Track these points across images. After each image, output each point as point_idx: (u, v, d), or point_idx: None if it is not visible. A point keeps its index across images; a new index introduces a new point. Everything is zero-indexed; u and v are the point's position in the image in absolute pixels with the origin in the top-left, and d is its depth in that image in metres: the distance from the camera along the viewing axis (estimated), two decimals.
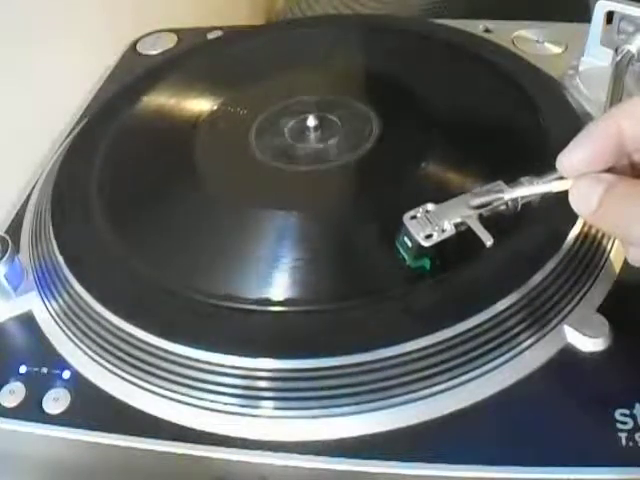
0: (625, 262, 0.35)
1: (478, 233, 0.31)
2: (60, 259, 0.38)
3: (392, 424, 0.31)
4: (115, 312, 0.35)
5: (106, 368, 0.34)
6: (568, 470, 0.29)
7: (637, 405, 0.30)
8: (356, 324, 0.33)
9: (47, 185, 0.44)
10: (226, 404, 0.32)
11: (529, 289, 0.33)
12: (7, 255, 0.37)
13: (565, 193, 0.27)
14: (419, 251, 0.32)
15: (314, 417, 0.31)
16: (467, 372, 0.32)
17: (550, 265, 0.34)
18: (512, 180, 0.30)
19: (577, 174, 0.27)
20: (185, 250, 0.38)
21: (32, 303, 0.38)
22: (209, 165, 0.42)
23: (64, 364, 0.35)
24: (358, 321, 0.33)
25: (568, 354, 0.32)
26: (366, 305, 0.33)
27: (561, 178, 0.28)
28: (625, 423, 0.30)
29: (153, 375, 0.33)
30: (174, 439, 0.32)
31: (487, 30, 0.52)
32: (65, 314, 0.37)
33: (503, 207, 0.30)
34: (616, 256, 0.36)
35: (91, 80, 0.55)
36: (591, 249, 0.35)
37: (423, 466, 0.29)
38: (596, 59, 0.46)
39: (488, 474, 0.29)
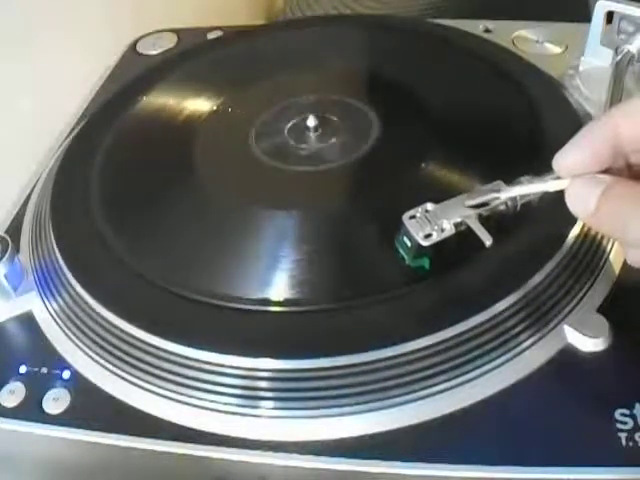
0: (625, 262, 0.35)
1: (478, 233, 0.31)
2: (60, 259, 0.38)
3: (392, 424, 0.31)
4: (115, 312, 0.35)
5: (106, 368, 0.34)
6: (568, 470, 0.29)
7: (637, 405, 0.30)
8: (356, 324, 0.33)
9: (47, 185, 0.44)
10: (226, 404, 0.32)
11: (529, 289, 0.33)
12: (7, 255, 0.37)
13: (564, 193, 0.27)
14: (418, 251, 0.32)
15: (314, 417, 0.31)
16: (467, 372, 0.32)
17: (550, 265, 0.34)
18: (512, 180, 0.30)
19: (573, 174, 0.27)
20: (185, 250, 0.38)
21: (32, 303, 0.38)
22: (209, 165, 0.42)
23: (64, 364, 0.35)
24: (358, 321, 0.33)
25: (568, 354, 0.32)
26: (366, 305, 0.33)
27: (559, 178, 0.28)
28: (625, 423, 0.30)
29: (153, 375, 0.33)
30: (174, 439, 0.32)
31: (487, 30, 0.52)
32: (65, 314, 0.37)
33: (503, 207, 0.30)
34: (616, 256, 0.36)
35: (91, 80, 0.55)
36: (591, 249, 0.35)
37: (423, 466, 0.29)
38: (596, 59, 0.46)
39: (488, 474, 0.29)
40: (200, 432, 0.32)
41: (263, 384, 0.32)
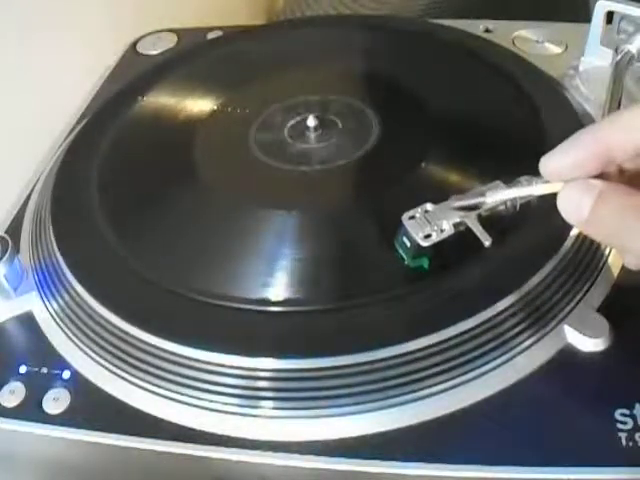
0: None
1: (477, 233, 0.31)
2: (60, 259, 0.38)
3: (392, 424, 0.31)
4: (115, 312, 0.35)
5: (106, 368, 0.34)
6: (568, 470, 0.29)
7: (637, 405, 0.30)
8: (356, 324, 0.33)
9: (47, 185, 0.44)
10: (226, 404, 0.32)
11: (529, 289, 0.33)
12: (7, 255, 0.37)
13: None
14: (418, 251, 0.32)
15: (314, 417, 0.31)
16: (467, 372, 0.32)
17: (550, 265, 0.34)
18: (511, 180, 0.30)
19: (559, 179, 0.27)
20: (185, 250, 0.38)
21: (32, 303, 0.38)
22: (209, 165, 0.42)
23: (64, 364, 0.35)
24: (358, 321, 0.33)
25: (568, 354, 0.32)
26: (366, 305, 0.33)
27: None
28: (625, 423, 0.30)
29: (153, 375, 0.33)
30: (174, 439, 0.32)
31: (487, 30, 0.52)
32: (65, 314, 0.37)
33: (502, 207, 0.30)
34: (616, 256, 0.36)
35: (91, 80, 0.55)
36: (591, 249, 0.35)
37: (423, 466, 0.29)
38: (596, 59, 0.46)
39: (488, 474, 0.29)
40: (200, 432, 0.32)
41: (263, 384, 0.32)
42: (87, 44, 0.56)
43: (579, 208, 0.26)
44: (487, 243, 0.30)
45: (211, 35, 0.57)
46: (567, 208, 0.27)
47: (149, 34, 0.59)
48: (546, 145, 0.38)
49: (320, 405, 0.31)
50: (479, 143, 0.41)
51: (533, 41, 0.51)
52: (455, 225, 0.31)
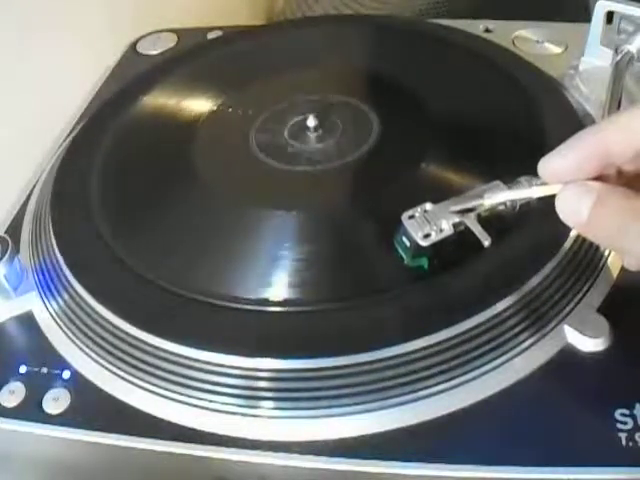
0: None
1: (476, 233, 0.31)
2: (60, 259, 0.38)
3: (392, 424, 0.31)
4: (115, 312, 0.35)
5: (106, 368, 0.34)
6: (568, 470, 0.29)
7: (637, 405, 0.30)
8: (356, 324, 0.33)
9: (47, 185, 0.44)
10: (226, 404, 0.32)
11: (529, 289, 0.33)
12: (7, 255, 0.37)
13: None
14: (417, 250, 0.32)
15: (314, 417, 0.31)
16: (467, 372, 0.32)
17: (550, 265, 0.34)
18: (511, 180, 0.30)
19: (556, 181, 0.27)
20: (185, 250, 0.38)
21: (32, 303, 0.38)
22: (209, 165, 0.42)
23: (64, 364, 0.35)
24: (358, 321, 0.33)
25: (568, 354, 0.32)
26: (365, 305, 0.33)
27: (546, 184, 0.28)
28: (625, 423, 0.30)
29: (153, 375, 0.33)
30: (174, 439, 0.32)
31: (487, 30, 0.52)
32: (65, 314, 0.37)
33: (502, 207, 0.30)
34: (616, 256, 0.36)
35: (91, 80, 0.55)
36: (591, 249, 0.35)
37: (423, 466, 0.29)
38: (596, 59, 0.46)
39: (488, 474, 0.29)
40: (200, 432, 0.32)
41: (263, 384, 0.32)
42: (87, 44, 0.56)
43: (578, 211, 0.26)
44: (486, 243, 0.30)
45: (211, 35, 0.57)
46: (566, 211, 0.27)
47: (149, 34, 0.59)
48: (546, 145, 0.39)
49: (320, 405, 0.31)
50: (479, 143, 0.41)
51: (533, 41, 0.51)
52: (455, 225, 0.31)
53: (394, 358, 0.31)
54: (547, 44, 0.51)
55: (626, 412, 0.30)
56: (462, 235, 0.31)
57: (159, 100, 0.49)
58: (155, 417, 0.32)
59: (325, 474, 0.30)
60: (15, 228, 0.43)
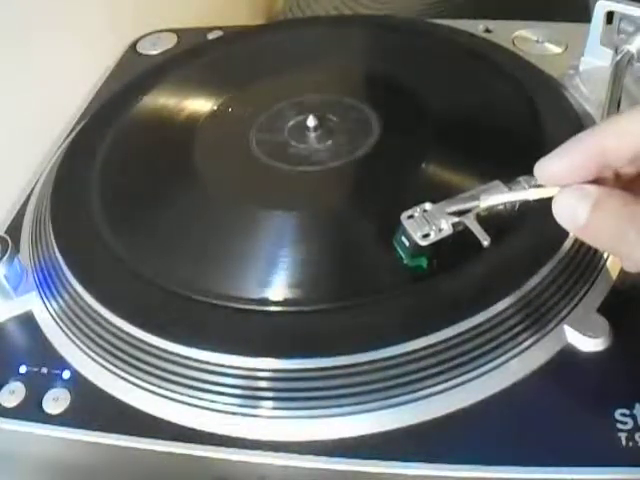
0: None
1: (475, 233, 0.31)
2: (60, 259, 0.38)
3: (392, 424, 0.31)
4: (115, 312, 0.35)
5: (106, 368, 0.34)
6: (568, 470, 0.29)
7: (637, 405, 0.30)
8: (356, 324, 0.33)
9: (47, 185, 0.44)
10: (226, 404, 0.32)
11: (529, 289, 0.33)
12: (7, 255, 0.37)
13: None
14: (416, 250, 0.32)
15: (314, 417, 0.31)
16: (467, 372, 0.32)
17: (550, 265, 0.34)
18: (511, 180, 0.30)
19: (553, 184, 0.27)
20: (185, 250, 0.38)
21: (32, 303, 0.38)
22: (209, 165, 0.42)
23: (64, 364, 0.35)
24: (358, 321, 0.33)
25: (568, 354, 0.32)
26: (365, 305, 0.33)
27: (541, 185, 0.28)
28: (625, 423, 0.30)
29: (153, 375, 0.33)
30: (174, 439, 0.32)
31: (487, 30, 0.52)
32: (65, 314, 0.37)
33: (501, 207, 0.30)
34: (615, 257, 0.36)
35: (91, 80, 0.55)
36: (591, 249, 0.35)
37: (423, 466, 0.29)
38: (596, 59, 0.46)
39: (488, 474, 0.29)
40: (200, 432, 0.32)
41: (263, 384, 0.32)
42: (87, 44, 0.56)
43: (575, 215, 0.26)
44: (486, 243, 0.30)
45: (211, 35, 0.57)
46: (562, 215, 0.26)
47: (149, 34, 0.59)
48: (546, 145, 0.39)
49: (320, 405, 0.31)
50: (479, 143, 0.41)
51: (533, 41, 0.51)
52: (454, 225, 0.31)
53: (394, 358, 0.31)
54: (547, 44, 0.51)
55: (626, 412, 0.30)
56: (461, 235, 0.31)
57: (159, 100, 0.49)
58: (155, 417, 0.32)
59: (325, 474, 0.30)
60: (15, 228, 0.43)
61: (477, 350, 0.32)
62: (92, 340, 0.35)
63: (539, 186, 0.28)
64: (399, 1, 0.73)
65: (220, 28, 0.58)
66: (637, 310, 0.33)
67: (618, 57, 0.41)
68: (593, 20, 0.45)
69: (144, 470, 0.33)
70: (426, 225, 0.32)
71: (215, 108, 0.47)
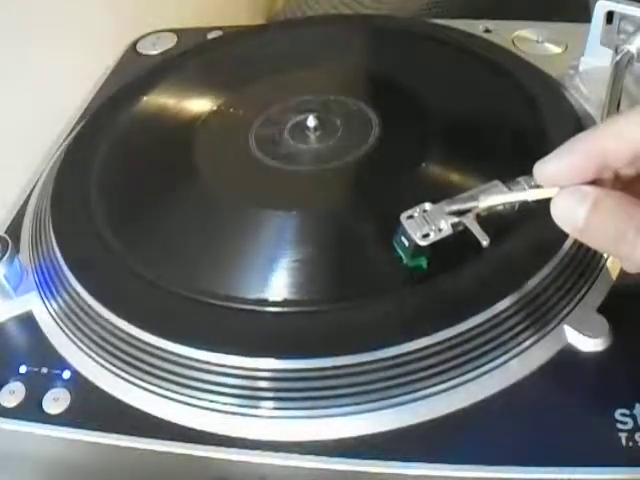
0: None
1: (475, 233, 0.31)
2: (60, 259, 0.38)
3: (392, 424, 0.31)
4: (115, 312, 0.35)
5: (106, 368, 0.34)
6: (568, 470, 0.29)
7: (637, 405, 0.30)
8: (356, 324, 0.33)
9: (47, 185, 0.44)
10: (226, 404, 0.32)
11: (529, 289, 0.33)
12: (7, 255, 0.37)
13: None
14: (416, 250, 0.32)
15: (314, 417, 0.31)
16: (467, 372, 0.32)
17: (550, 265, 0.34)
18: (510, 180, 0.30)
19: (552, 185, 0.27)
20: (185, 250, 0.38)
21: (32, 303, 0.38)
22: (209, 165, 0.42)
23: (64, 364, 0.35)
24: (358, 321, 0.33)
25: (568, 354, 0.32)
26: (365, 305, 0.33)
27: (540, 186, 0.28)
28: (625, 423, 0.30)
29: (153, 375, 0.33)
30: (174, 439, 0.32)
31: (487, 30, 0.52)
32: (65, 314, 0.37)
33: (501, 207, 0.30)
34: None
35: (91, 80, 0.55)
36: (591, 249, 0.35)
37: (423, 466, 0.29)
38: (596, 59, 0.46)
39: (488, 474, 0.29)
40: (200, 432, 0.32)
41: (263, 384, 0.32)
42: (87, 44, 0.56)
43: (573, 217, 0.26)
44: (485, 243, 0.30)
45: (211, 35, 0.57)
46: (561, 216, 0.26)
47: (149, 34, 0.59)
48: (546, 145, 0.39)
49: (320, 405, 0.31)
50: (479, 143, 0.41)
51: (533, 41, 0.51)
52: (453, 225, 0.31)
53: (394, 358, 0.31)
54: (547, 44, 0.51)
55: (626, 412, 0.30)
56: (462, 235, 0.31)
57: (159, 100, 0.49)
58: (155, 417, 0.32)
59: (325, 474, 0.30)
60: (15, 228, 0.43)
61: (477, 350, 0.32)
62: (92, 340, 0.35)
63: (538, 186, 0.28)
64: (399, 1, 0.73)
65: (220, 28, 0.58)
66: (637, 310, 0.33)
67: (618, 57, 0.41)
68: (593, 20, 0.45)
69: (144, 470, 0.33)
70: (426, 225, 0.32)
71: (215, 108, 0.47)
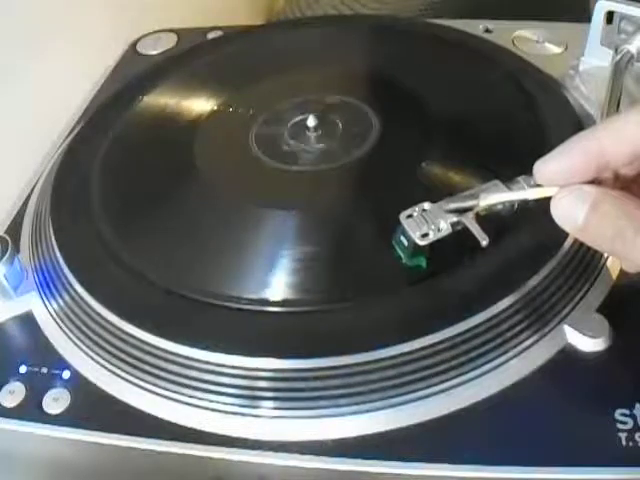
0: None
1: (474, 232, 0.31)
2: (60, 259, 0.38)
3: (392, 424, 0.31)
4: (115, 312, 0.35)
5: (106, 368, 0.34)
6: (568, 470, 0.29)
7: (637, 405, 0.30)
8: (356, 324, 0.33)
9: (47, 185, 0.44)
10: (226, 404, 0.32)
11: (529, 289, 0.33)
12: (7, 255, 0.37)
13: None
14: (415, 250, 0.32)
15: (314, 417, 0.31)
16: (467, 372, 0.32)
17: (550, 265, 0.34)
18: (510, 179, 0.30)
19: (552, 184, 0.27)
20: (185, 250, 0.38)
21: (32, 303, 0.38)
22: (209, 165, 0.42)
23: (64, 364, 0.35)
24: (358, 321, 0.33)
25: (568, 354, 0.32)
26: (365, 305, 0.33)
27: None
28: (625, 423, 0.30)
29: (153, 375, 0.33)
30: (174, 439, 0.32)
31: (487, 30, 0.52)
32: (65, 314, 0.37)
33: (500, 207, 0.30)
34: None
35: (91, 80, 0.55)
36: (591, 249, 0.35)
37: (423, 466, 0.29)
38: (596, 59, 0.46)
39: (488, 474, 0.29)
40: (200, 432, 0.32)
41: (263, 384, 0.32)
42: (87, 44, 0.56)
43: (573, 216, 0.26)
44: (484, 242, 0.30)
45: (211, 35, 0.57)
46: (561, 216, 0.26)
47: (149, 34, 0.59)
48: (546, 145, 0.38)
49: (320, 405, 0.31)
50: (479, 143, 0.41)
51: (533, 41, 0.51)
52: (453, 224, 0.31)
53: (394, 358, 0.31)
54: (547, 44, 0.51)
55: (626, 412, 0.30)
56: (461, 235, 0.31)
57: (159, 100, 0.49)
58: (155, 417, 0.32)
59: (325, 474, 0.30)
60: (15, 228, 0.43)
61: (477, 350, 0.32)
62: (92, 340, 0.35)
63: (538, 186, 0.28)
64: (399, 1, 0.73)
65: (220, 28, 0.58)
66: (637, 310, 0.33)
67: (618, 57, 0.41)
68: (593, 20, 0.45)
69: (144, 470, 0.33)
70: (425, 225, 0.32)
71: (215, 108, 0.47)
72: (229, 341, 0.33)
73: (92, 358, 0.35)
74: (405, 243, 0.32)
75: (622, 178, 0.27)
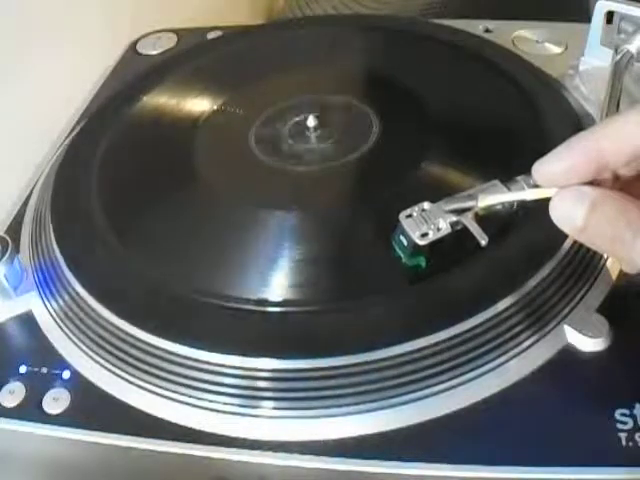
0: None
1: (473, 232, 0.31)
2: (60, 259, 0.38)
3: (392, 424, 0.31)
4: (115, 312, 0.35)
5: (106, 368, 0.34)
6: (568, 470, 0.29)
7: (637, 405, 0.30)
8: (355, 324, 0.33)
9: (47, 185, 0.44)
10: (226, 404, 0.32)
11: (529, 289, 0.33)
12: (7, 255, 0.37)
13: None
14: (415, 249, 0.32)
15: (314, 417, 0.31)
16: (467, 372, 0.32)
17: (550, 265, 0.34)
18: (509, 179, 0.30)
19: (552, 185, 0.27)
20: (185, 250, 0.38)
21: (32, 303, 0.38)
22: (209, 165, 0.42)
23: (64, 364, 0.35)
24: (357, 321, 0.33)
25: (568, 354, 0.32)
26: (365, 305, 0.33)
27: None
28: (625, 423, 0.30)
29: (153, 375, 0.33)
30: (174, 439, 0.32)
31: (487, 30, 0.52)
32: (65, 314, 0.37)
33: (500, 206, 0.30)
34: None
35: (91, 80, 0.55)
36: (590, 249, 0.35)
37: (423, 466, 0.29)
38: (596, 59, 0.46)
39: (488, 474, 0.29)
40: (200, 432, 0.32)
41: (263, 384, 0.32)
42: (87, 44, 0.56)
43: (572, 217, 0.26)
44: (483, 242, 0.30)
45: (211, 35, 0.57)
46: (559, 217, 0.26)
47: (149, 34, 0.59)
48: (546, 145, 0.38)
49: (320, 405, 0.31)
50: (478, 143, 0.41)
51: (533, 41, 0.51)
52: (452, 224, 0.31)
53: (394, 358, 0.31)
54: (547, 44, 0.51)
55: (626, 412, 0.30)
56: (460, 234, 0.31)
57: (159, 100, 0.49)
58: (155, 417, 0.32)
59: (325, 474, 0.30)
60: (15, 228, 0.43)
61: (477, 350, 0.32)
62: (92, 340, 0.35)
63: (537, 186, 0.28)
64: (399, 1, 0.73)
65: (220, 28, 0.58)
66: (637, 310, 0.33)
67: (618, 57, 0.41)
68: (593, 20, 0.45)
69: (144, 470, 0.33)
70: (424, 224, 0.32)
71: (215, 108, 0.47)
72: (229, 341, 0.33)
73: (92, 358, 0.35)
74: (405, 243, 0.32)
75: (621, 179, 0.27)
